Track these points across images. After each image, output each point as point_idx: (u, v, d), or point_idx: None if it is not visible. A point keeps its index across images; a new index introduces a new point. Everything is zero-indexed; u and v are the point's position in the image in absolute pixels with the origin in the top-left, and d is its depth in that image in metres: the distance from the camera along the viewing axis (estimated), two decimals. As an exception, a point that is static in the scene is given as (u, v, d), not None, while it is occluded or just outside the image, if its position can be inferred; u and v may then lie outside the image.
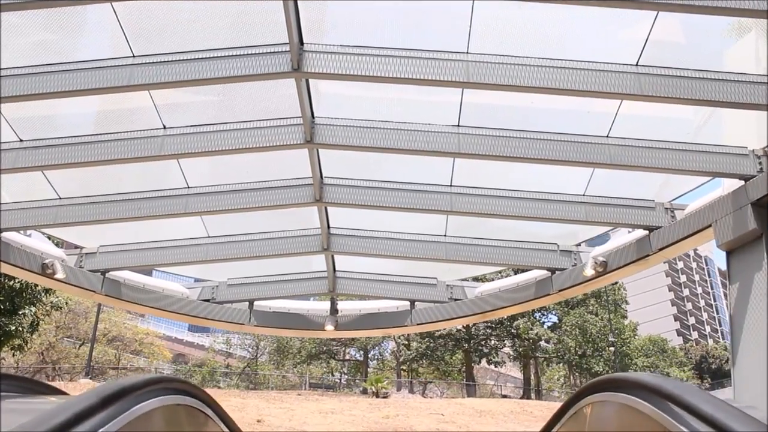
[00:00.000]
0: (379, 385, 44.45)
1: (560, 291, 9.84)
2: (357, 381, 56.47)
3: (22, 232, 9.47)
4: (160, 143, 7.85)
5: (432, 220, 9.90)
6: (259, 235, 10.13)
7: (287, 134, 7.83)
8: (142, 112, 7.89)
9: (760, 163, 7.42)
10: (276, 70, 6.75)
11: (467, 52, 6.84)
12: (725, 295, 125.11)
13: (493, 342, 55.31)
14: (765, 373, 6.50)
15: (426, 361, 55.78)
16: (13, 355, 22.02)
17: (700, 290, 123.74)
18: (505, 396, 57.41)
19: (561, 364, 60.60)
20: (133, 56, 6.87)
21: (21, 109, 7.63)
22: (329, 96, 8.16)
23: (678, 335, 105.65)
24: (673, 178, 8.59)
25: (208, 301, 10.95)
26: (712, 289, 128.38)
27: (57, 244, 11.53)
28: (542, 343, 58.45)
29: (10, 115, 7.70)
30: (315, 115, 7.82)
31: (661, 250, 8.59)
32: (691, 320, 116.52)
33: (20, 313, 17.32)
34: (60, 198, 9.02)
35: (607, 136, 7.81)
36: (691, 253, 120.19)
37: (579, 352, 56.01)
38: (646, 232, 8.80)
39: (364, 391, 48.07)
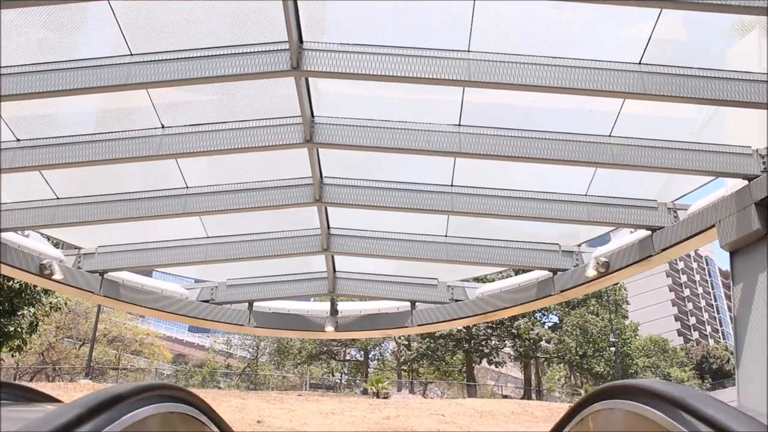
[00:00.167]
0: (380, 385, 44.39)
1: (562, 292, 9.76)
2: (357, 381, 56.42)
3: (19, 232, 9.40)
4: (159, 143, 7.78)
5: (433, 221, 9.83)
6: (258, 235, 10.06)
7: (287, 134, 7.76)
8: (140, 111, 7.83)
9: (764, 163, 7.35)
10: (275, 68, 6.68)
11: (468, 51, 6.77)
12: (726, 295, 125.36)
13: (493, 342, 55.28)
14: (770, 375, 6.44)
15: (426, 362, 55.74)
16: (12, 356, 21.95)
17: (700, 290, 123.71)
18: (505, 396, 57.36)
19: (562, 365, 60.56)
20: (131, 55, 6.81)
21: (18, 109, 7.56)
22: (329, 95, 8.10)
23: (679, 335, 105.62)
24: (675, 178, 8.53)
25: (207, 301, 10.89)
26: (712, 289, 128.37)
27: (56, 245, 11.47)
28: (543, 343, 58.42)
29: (7, 115, 7.63)
30: (315, 114, 7.75)
31: (664, 250, 8.52)
32: (692, 320, 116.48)
33: (19, 313, 17.26)
34: (58, 198, 8.95)
35: (610, 136, 7.74)
36: (692, 254, 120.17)
37: (580, 353, 55.97)
38: (649, 232, 8.73)
39: (365, 392, 48.00)
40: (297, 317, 11.31)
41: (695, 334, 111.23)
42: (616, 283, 56.09)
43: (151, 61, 6.78)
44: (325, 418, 31.53)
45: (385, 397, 43.30)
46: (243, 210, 9.02)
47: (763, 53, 6.62)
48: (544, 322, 59.53)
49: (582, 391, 47.79)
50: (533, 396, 56.00)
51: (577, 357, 56.16)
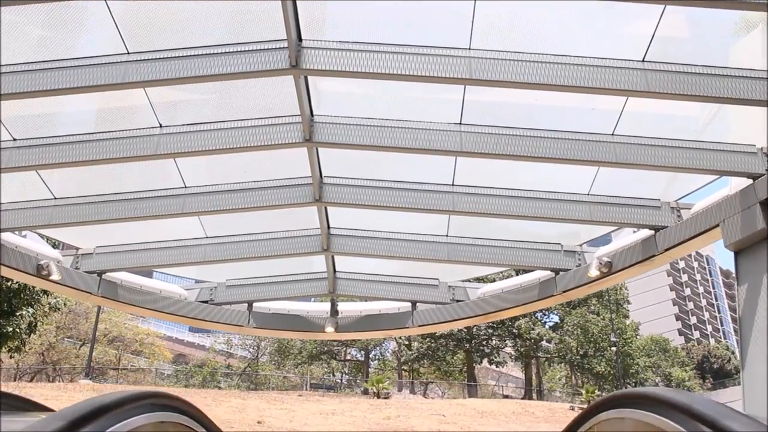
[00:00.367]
0: (380, 385, 44.34)
1: (564, 292, 9.68)
2: (358, 381, 56.40)
3: (17, 232, 9.31)
4: (157, 142, 7.70)
5: (433, 220, 9.76)
6: (257, 235, 9.98)
7: (286, 133, 7.68)
8: (138, 110, 7.75)
9: (768, 161, 7.27)
10: (274, 67, 6.60)
11: (469, 48, 6.69)
12: (727, 294, 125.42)
13: (494, 342, 55.24)
14: (775, 376, 6.36)
15: (427, 362, 55.72)
16: (11, 357, 21.89)
17: (701, 290, 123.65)
18: (506, 396, 57.34)
19: (562, 364, 60.52)
20: (128, 53, 6.73)
21: (14, 108, 7.48)
22: (328, 94, 8.02)
23: (679, 335, 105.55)
24: (679, 177, 8.44)
25: (206, 302, 10.81)
26: (713, 288, 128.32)
27: (54, 245, 11.39)
28: (544, 343, 58.40)
29: (3, 114, 7.55)
30: (314, 113, 7.67)
31: (667, 250, 8.43)
32: (693, 320, 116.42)
33: (18, 314, 17.18)
34: (55, 198, 8.87)
35: (612, 134, 7.65)
36: (693, 253, 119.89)
37: (581, 352, 55.92)
38: (652, 232, 8.64)
39: (365, 392, 47.96)
40: (297, 318, 11.23)
41: (696, 334, 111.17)
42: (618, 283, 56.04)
43: (148, 59, 6.70)
44: (326, 419, 31.47)
45: (385, 398, 43.25)
46: (242, 210, 8.95)
47: (765, 50, 6.54)
48: (545, 322, 59.50)
49: (583, 391, 47.71)
50: (534, 396, 55.97)
51: (578, 357, 56.11)
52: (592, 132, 7.65)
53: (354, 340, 51.59)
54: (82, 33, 7.19)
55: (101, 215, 8.89)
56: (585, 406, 40.96)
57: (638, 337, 64.60)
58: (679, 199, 8.63)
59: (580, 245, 9.84)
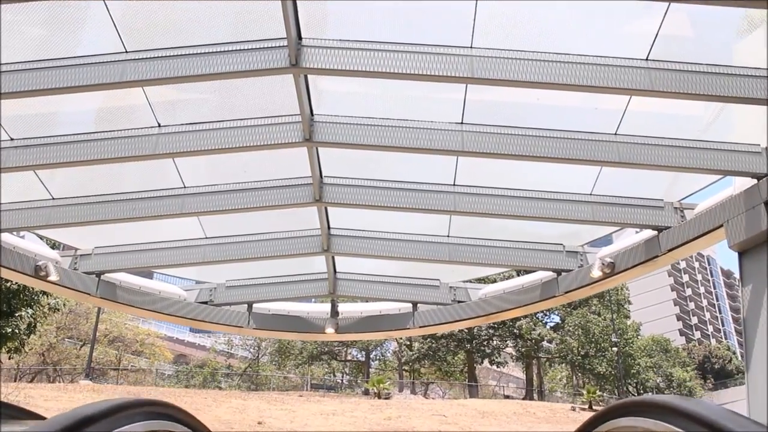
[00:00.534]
0: (381, 386, 44.28)
1: (567, 293, 9.60)
2: (359, 382, 56.36)
3: (14, 233, 9.25)
4: (155, 142, 7.63)
5: (434, 220, 9.69)
6: (257, 236, 9.92)
7: (286, 132, 7.61)
8: (136, 110, 7.68)
9: (773, 161, 7.19)
10: (273, 65, 6.53)
11: (471, 47, 6.62)
12: (728, 294, 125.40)
13: (495, 342, 55.18)
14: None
15: (428, 362, 55.66)
16: (10, 357, 21.83)
17: (702, 290, 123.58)
18: (507, 397, 57.28)
19: (564, 365, 60.44)
20: (126, 52, 6.66)
21: (11, 108, 7.41)
22: (329, 93, 7.95)
23: (680, 335, 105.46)
24: (682, 177, 8.37)
25: (206, 303, 10.74)
26: (714, 288, 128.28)
27: (53, 246, 11.33)
28: (545, 343, 58.33)
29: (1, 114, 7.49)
30: (314, 112, 7.60)
31: (670, 251, 8.35)
32: (694, 320, 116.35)
33: (17, 315, 17.11)
34: (53, 198, 8.81)
35: (615, 134, 7.58)
36: (694, 253, 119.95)
37: (582, 353, 55.85)
38: (655, 232, 8.57)
39: (366, 392, 47.90)
40: (297, 319, 11.17)
41: (697, 334, 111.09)
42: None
43: (146, 58, 6.64)
44: (326, 419, 31.40)
45: (386, 398, 43.19)
46: (242, 210, 8.88)
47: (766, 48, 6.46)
48: (546, 322, 59.45)
49: (584, 392, 47.60)
50: (535, 396, 55.91)
51: (579, 357, 56.04)
52: (594, 131, 7.58)
53: (355, 341, 51.53)
54: (80, 32, 7.12)
55: (100, 215, 8.83)
56: (586, 406, 40.90)
57: (639, 337, 64.49)
58: (683, 199, 8.55)
59: (582, 246, 9.77)
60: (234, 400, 35.44)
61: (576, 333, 55.85)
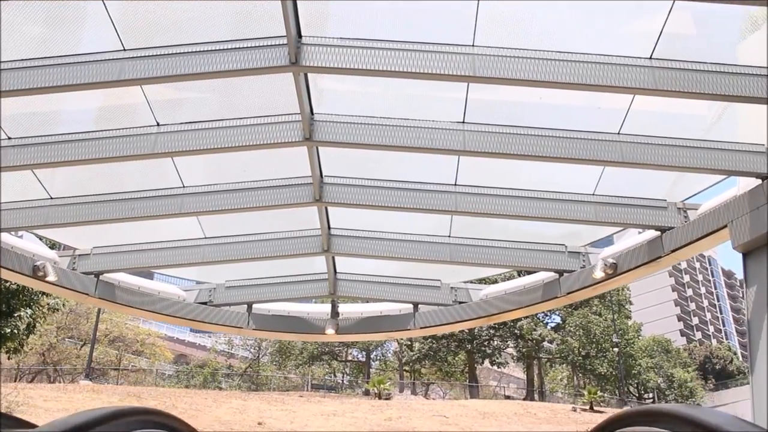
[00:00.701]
0: (382, 386, 44.23)
1: (569, 294, 9.52)
2: (359, 382, 56.30)
3: (12, 233, 9.18)
4: (154, 141, 7.56)
5: (436, 221, 9.62)
6: (257, 236, 9.85)
7: (285, 131, 7.54)
8: (135, 109, 7.61)
9: (778, 161, 7.12)
10: (272, 63, 6.46)
11: (473, 45, 6.54)
12: (729, 295, 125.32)
13: (496, 343, 55.16)
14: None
15: (429, 362, 55.63)
16: (9, 358, 21.78)
17: (703, 290, 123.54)
18: (508, 397, 57.22)
19: (564, 365, 60.39)
20: (124, 50, 6.59)
21: (8, 107, 7.34)
22: (329, 92, 7.88)
23: (681, 335, 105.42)
24: (686, 177, 8.30)
25: (205, 303, 10.67)
26: (715, 289, 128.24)
27: (52, 246, 11.26)
28: (545, 343, 58.29)
29: (-2, 112, 7.42)
30: (314, 111, 7.53)
31: (674, 251, 8.27)
32: (695, 320, 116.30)
33: (16, 315, 17.05)
34: (51, 198, 8.74)
35: (618, 133, 7.51)
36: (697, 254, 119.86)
37: (582, 353, 55.80)
38: (658, 233, 8.49)
39: (367, 393, 47.86)
40: (297, 320, 11.10)
41: (698, 335, 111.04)
42: (620, 283, 55.82)
43: (144, 56, 6.56)
44: (327, 420, 31.34)
45: (387, 398, 43.14)
46: (241, 210, 8.81)
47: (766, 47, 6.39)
48: (547, 323, 59.42)
49: (585, 392, 47.55)
50: (536, 397, 55.84)
51: (580, 357, 55.99)
52: (597, 131, 7.51)
53: (355, 341, 51.50)
54: (78, 30, 7.05)
55: (98, 215, 8.76)
56: (587, 407, 40.83)
57: (640, 338, 64.44)
58: (686, 199, 8.48)
59: (585, 246, 9.70)
60: (234, 401, 35.38)
61: (577, 333, 55.81)
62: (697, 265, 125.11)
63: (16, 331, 17.03)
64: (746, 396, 7.02)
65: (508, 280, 11.10)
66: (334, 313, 10.97)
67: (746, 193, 7.25)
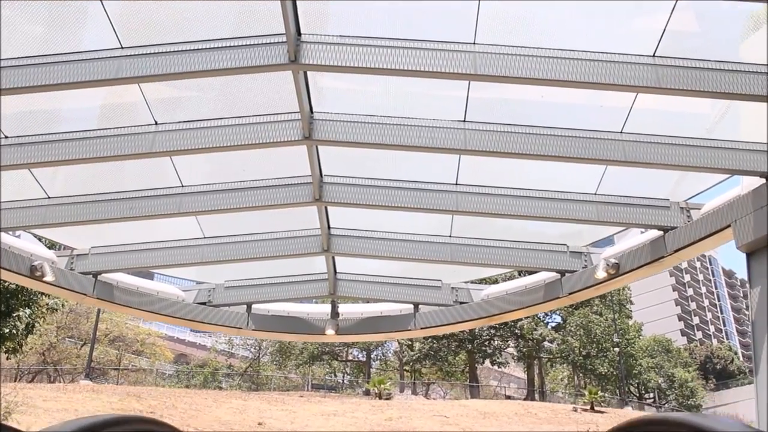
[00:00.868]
0: (382, 386, 44.17)
1: (570, 294, 9.44)
2: (360, 382, 56.27)
3: (10, 232, 9.11)
4: (152, 140, 7.49)
5: (436, 220, 9.55)
6: (256, 235, 9.78)
7: (285, 130, 7.47)
8: (133, 108, 7.55)
9: (782, 160, 7.04)
10: (272, 62, 6.38)
11: (474, 43, 6.47)
12: (729, 294, 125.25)
13: (496, 342, 55.11)
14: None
15: (429, 362, 55.59)
16: (8, 358, 21.73)
17: (704, 290, 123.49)
18: (508, 397, 57.19)
19: (565, 365, 60.32)
20: (122, 48, 6.52)
21: (4, 105, 7.27)
22: (329, 90, 7.82)
23: (682, 335, 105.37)
24: (689, 176, 8.22)
25: (204, 304, 10.60)
26: (716, 288, 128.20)
27: (51, 246, 11.19)
28: (546, 343, 58.24)
29: (-5, 111, 7.36)
30: (314, 110, 7.46)
31: (676, 251, 8.19)
32: (695, 320, 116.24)
33: (15, 315, 16.98)
34: (49, 197, 8.67)
35: (621, 132, 7.44)
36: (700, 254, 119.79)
37: (583, 353, 55.74)
38: (661, 232, 8.42)
39: (367, 393, 47.81)
40: (297, 320, 11.03)
41: (699, 334, 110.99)
42: (620, 283, 55.74)
43: (142, 54, 6.49)
44: (327, 420, 31.28)
45: (387, 398, 43.08)
46: (240, 210, 8.75)
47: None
48: (548, 323, 59.37)
49: (585, 392, 47.47)
50: (536, 397, 55.79)
51: (581, 357, 55.94)
52: (600, 130, 7.44)
53: (355, 341, 51.47)
54: (76, 29, 6.98)
55: (96, 215, 8.69)
56: (588, 407, 40.74)
57: (641, 337, 64.38)
58: (689, 198, 8.40)
59: (586, 246, 9.63)
60: (234, 401, 35.32)
61: (578, 333, 55.76)
62: (698, 264, 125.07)
63: (15, 331, 16.97)
64: (747, 396, 6.95)
65: (509, 280, 11.02)
66: (334, 314, 10.89)
67: (750, 193, 7.17)
